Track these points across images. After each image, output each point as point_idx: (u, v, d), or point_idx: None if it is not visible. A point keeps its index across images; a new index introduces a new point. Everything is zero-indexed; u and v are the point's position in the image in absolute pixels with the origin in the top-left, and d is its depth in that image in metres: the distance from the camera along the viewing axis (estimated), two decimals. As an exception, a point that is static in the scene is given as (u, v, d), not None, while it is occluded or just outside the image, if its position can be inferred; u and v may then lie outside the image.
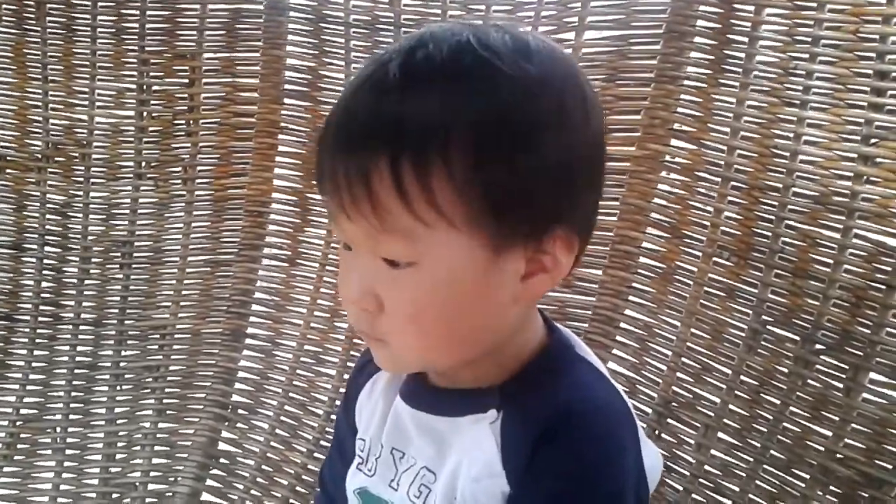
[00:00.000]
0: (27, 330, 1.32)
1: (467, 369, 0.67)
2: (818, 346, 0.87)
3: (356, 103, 0.61)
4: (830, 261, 0.87)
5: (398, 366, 0.70)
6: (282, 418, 1.21)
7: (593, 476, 0.62)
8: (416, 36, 0.62)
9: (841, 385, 0.86)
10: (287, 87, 1.22)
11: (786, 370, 0.89)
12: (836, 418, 0.86)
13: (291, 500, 1.16)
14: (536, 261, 0.62)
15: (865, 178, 0.86)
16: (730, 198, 0.93)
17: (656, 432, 0.96)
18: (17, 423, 1.28)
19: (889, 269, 0.84)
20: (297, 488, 1.17)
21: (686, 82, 0.97)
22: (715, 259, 0.94)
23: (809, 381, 0.88)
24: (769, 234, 0.91)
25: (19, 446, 1.27)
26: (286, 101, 1.22)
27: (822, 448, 0.86)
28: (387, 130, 0.58)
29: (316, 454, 1.16)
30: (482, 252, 0.60)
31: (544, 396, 0.64)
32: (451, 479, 0.66)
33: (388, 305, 0.62)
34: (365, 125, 0.60)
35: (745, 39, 0.92)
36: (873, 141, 0.85)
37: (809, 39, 0.88)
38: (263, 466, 1.20)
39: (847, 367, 0.86)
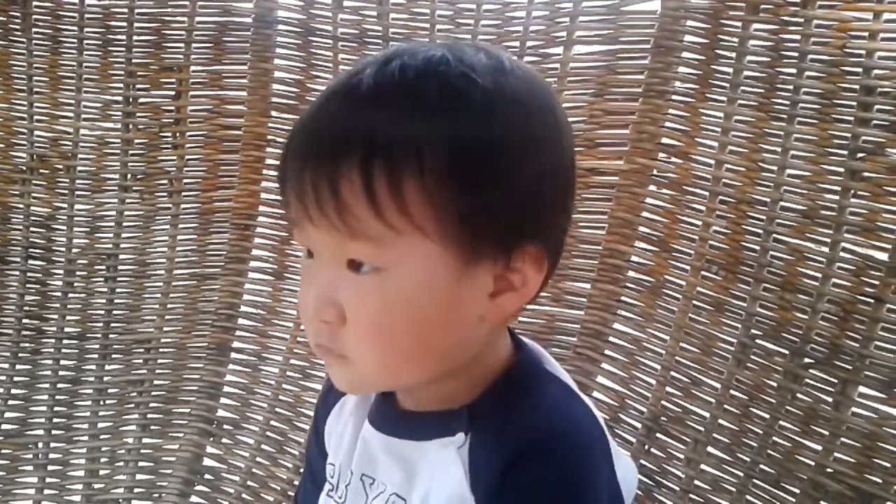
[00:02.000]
0: (9, 343, 1.31)
1: (433, 390, 0.66)
2: (807, 360, 0.87)
3: (327, 111, 0.61)
4: (819, 274, 0.87)
5: (357, 385, 0.67)
6: (268, 433, 1.20)
7: (566, 498, 0.61)
8: (389, 50, 0.62)
9: (830, 399, 0.86)
10: (274, 100, 1.22)
11: (775, 384, 0.89)
12: (826, 432, 0.86)
13: (277, 517, 1.15)
14: (505, 279, 0.62)
15: (853, 191, 0.86)
16: (718, 211, 0.93)
17: (646, 447, 0.96)
18: (-2, 439, 1.27)
19: (877, 282, 0.84)
20: (283, 504, 1.16)
21: (674, 97, 0.97)
22: (703, 273, 0.94)
23: (799, 395, 0.87)
24: (757, 247, 0.91)
25: (0, 462, 1.25)
26: (273, 114, 1.22)
27: (812, 462, 0.86)
28: (359, 137, 0.58)
29: (302, 470, 1.15)
30: (452, 263, 0.59)
31: (513, 419, 0.63)
32: None
33: (351, 315, 0.61)
34: (336, 131, 0.59)
35: (733, 54, 0.93)
36: (860, 155, 0.85)
37: (796, 54, 0.89)
38: (249, 482, 1.19)
39: (836, 380, 0.86)
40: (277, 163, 0.63)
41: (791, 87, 0.89)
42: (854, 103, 0.86)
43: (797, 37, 0.89)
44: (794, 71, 0.89)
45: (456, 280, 0.60)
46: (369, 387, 0.68)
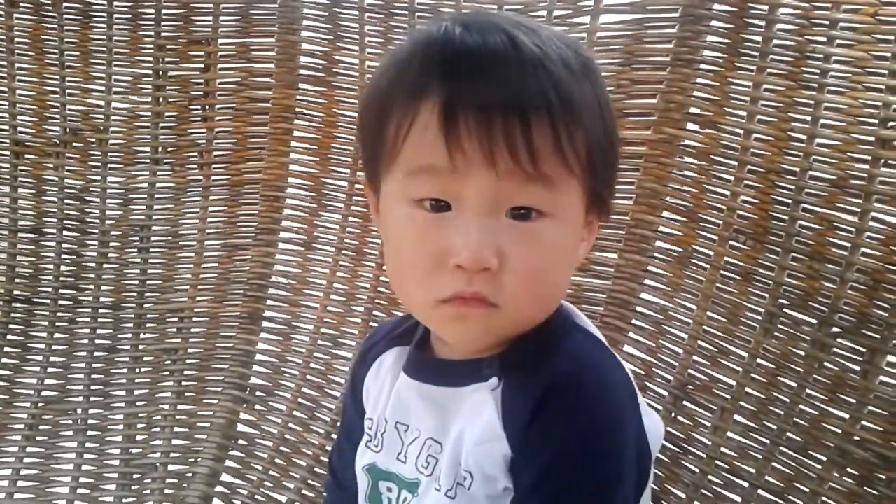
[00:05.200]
0: (47, 313, 1.33)
1: None
2: (835, 329, 0.88)
3: (501, 69, 0.63)
4: (847, 244, 0.87)
5: (491, 334, 0.68)
6: (299, 400, 1.22)
7: (592, 440, 0.63)
8: (497, 22, 0.66)
9: (858, 368, 0.86)
10: (302, 72, 1.22)
11: (802, 353, 0.89)
12: (853, 401, 0.86)
13: (310, 481, 1.18)
14: (593, 219, 0.70)
15: (883, 161, 0.86)
16: (746, 181, 0.93)
17: (672, 415, 0.97)
18: (39, 405, 1.30)
19: (906, 251, 0.84)
20: (316, 469, 1.18)
21: (702, 66, 0.96)
22: (731, 242, 0.94)
23: (826, 364, 0.88)
24: (786, 217, 0.91)
25: (41, 427, 1.29)
26: (301, 86, 1.22)
27: (838, 430, 0.87)
28: (546, 91, 0.62)
29: (333, 435, 1.17)
30: (583, 208, 0.68)
31: (544, 363, 0.66)
32: (456, 448, 0.68)
33: (514, 262, 0.63)
34: (526, 85, 0.62)
35: (762, 23, 0.92)
36: (891, 124, 0.85)
37: (827, 22, 0.88)
38: (282, 448, 1.21)
39: (864, 349, 0.86)
40: (445, 117, 0.63)
41: (821, 55, 0.89)
42: (885, 71, 0.85)
43: (828, 4, 0.88)
44: (824, 39, 0.88)
45: (582, 225, 0.69)
46: (500, 335, 0.68)
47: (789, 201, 0.90)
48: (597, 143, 0.66)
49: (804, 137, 0.90)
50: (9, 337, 1.33)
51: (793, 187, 0.90)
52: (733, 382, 0.93)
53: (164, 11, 1.26)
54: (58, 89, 1.31)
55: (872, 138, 0.86)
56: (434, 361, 0.73)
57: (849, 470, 0.86)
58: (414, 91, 0.63)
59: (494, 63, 0.63)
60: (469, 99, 0.62)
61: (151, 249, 1.31)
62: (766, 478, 0.90)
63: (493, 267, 0.62)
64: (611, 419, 0.64)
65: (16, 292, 1.34)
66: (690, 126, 0.98)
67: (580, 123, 0.64)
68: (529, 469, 0.64)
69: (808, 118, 0.89)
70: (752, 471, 0.91)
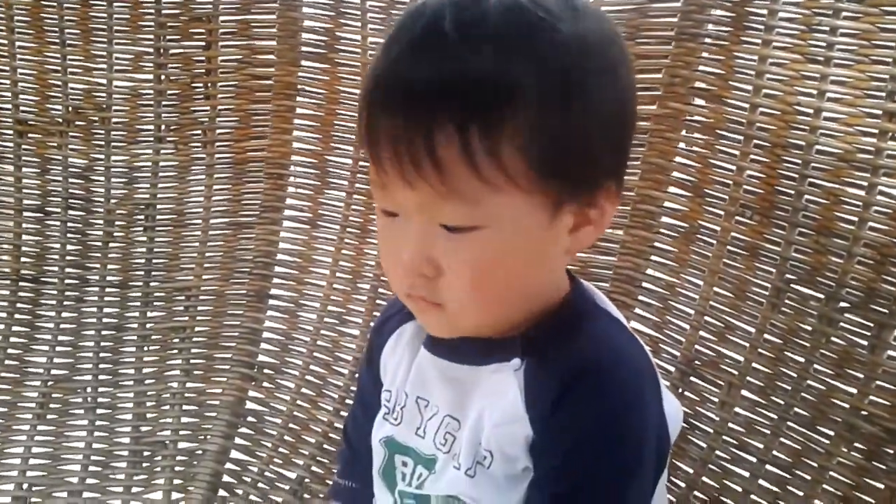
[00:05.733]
0: (54, 292, 1.34)
1: None
2: (842, 304, 0.88)
3: (412, 63, 0.59)
4: (855, 218, 0.87)
5: (453, 329, 0.68)
6: (307, 378, 1.23)
7: (614, 426, 0.63)
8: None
9: (865, 342, 0.86)
10: (304, 48, 1.21)
11: (810, 328, 0.89)
12: (861, 375, 0.86)
13: (319, 458, 1.18)
14: (583, 214, 0.63)
15: (890, 134, 0.85)
16: (752, 156, 0.93)
17: (679, 390, 0.97)
18: (49, 384, 1.31)
19: (914, 226, 0.83)
20: (325, 446, 1.19)
21: (707, 40, 0.95)
22: (737, 218, 0.94)
23: (834, 339, 0.88)
24: (792, 191, 0.90)
25: (51, 406, 1.30)
26: (303, 62, 1.22)
27: (846, 405, 0.87)
28: (452, 93, 0.57)
29: (342, 412, 1.18)
30: (543, 211, 0.61)
31: (567, 346, 0.65)
32: (476, 427, 0.68)
33: (449, 270, 0.62)
34: (428, 88, 0.57)
35: (768, -5, 0.91)
36: (899, 97, 0.84)
37: (833, -6, 0.87)
38: (291, 425, 1.22)
39: (872, 324, 0.86)
40: (360, 121, 0.61)
41: (827, 28, 0.88)
42: (892, 44, 0.85)
43: (834, -24, 0.87)
44: (830, 12, 0.88)
45: (547, 225, 0.62)
46: (465, 330, 0.68)
47: (796, 176, 0.90)
48: (553, 140, 0.59)
49: (810, 111, 0.89)
50: (17, 316, 1.34)
51: (799, 161, 0.90)
52: (740, 358, 0.93)
53: (164, -12, 1.25)
54: (59, 68, 1.30)
55: (879, 112, 0.85)
56: (456, 338, 0.72)
57: (856, 445, 0.86)
58: (360, 108, 0.63)
59: (413, 62, 0.59)
60: (384, 112, 0.59)
61: (157, 228, 1.31)
62: (774, 453, 0.90)
63: (429, 273, 0.62)
64: (633, 404, 0.64)
65: (23, 271, 1.35)
66: (696, 101, 0.97)
67: (510, 123, 0.57)
68: (551, 452, 0.64)
69: (815, 92, 0.89)
70: (760, 446, 0.91)
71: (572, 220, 0.63)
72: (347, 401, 1.18)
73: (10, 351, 1.33)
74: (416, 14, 0.61)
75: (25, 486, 1.23)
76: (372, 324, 1.15)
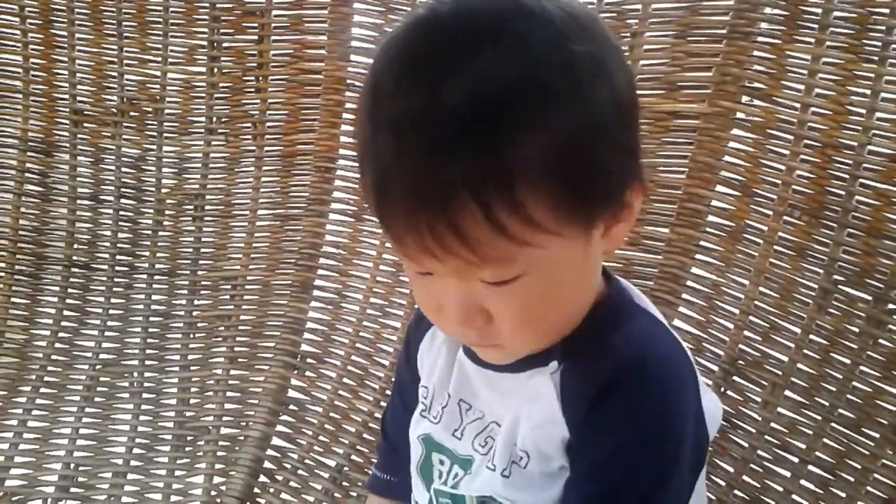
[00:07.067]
0: (104, 279, 1.37)
1: None
2: (891, 306, 0.87)
3: (413, 151, 0.56)
4: (905, 220, 0.86)
5: (512, 357, 0.68)
6: (349, 368, 1.24)
7: (653, 426, 0.63)
8: (448, 52, 0.56)
9: (914, 346, 0.86)
10: (354, 44, 1.23)
11: (856, 329, 0.89)
12: (908, 378, 0.86)
13: (358, 447, 1.20)
14: (613, 217, 0.63)
15: (945, 136, 0.84)
16: (802, 156, 0.93)
17: (722, 389, 0.97)
18: (97, 367, 1.33)
19: (966, 229, 0.83)
20: (364, 435, 1.20)
21: (760, 38, 0.95)
22: (786, 217, 0.94)
23: (881, 341, 0.87)
24: (842, 192, 0.90)
25: (99, 389, 1.32)
26: (353, 58, 1.23)
27: (892, 407, 0.86)
28: (464, 176, 0.55)
29: (382, 403, 1.19)
30: (577, 240, 0.61)
31: (605, 348, 0.65)
32: (512, 429, 0.68)
33: (499, 316, 0.62)
34: (436, 177, 0.55)
35: (823, -7, 0.91)
36: (954, 98, 0.84)
37: (889, -7, 0.87)
38: (331, 414, 1.23)
39: (920, 327, 0.85)
40: (377, 209, 0.59)
41: (883, 27, 0.87)
42: (949, 44, 0.84)
43: (891, -25, 0.87)
44: (886, 11, 0.87)
45: (583, 251, 0.62)
46: (522, 355, 0.68)
47: (846, 176, 0.90)
48: (570, 175, 0.57)
49: (863, 111, 0.89)
50: (68, 301, 1.37)
51: (850, 162, 0.89)
52: (785, 358, 0.93)
53: (219, -17, 1.27)
54: (115, 59, 1.33)
55: (934, 113, 0.85)
56: None
57: (903, 448, 0.86)
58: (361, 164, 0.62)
59: (412, 139, 0.55)
60: (398, 202, 0.57)
61: (205, 218, 1.33)
62: (817, 453, 0.90)
63: (480, 324, 0.62)
64: (671, 404, 0.64)
65: (75, 258, 1.38)
66: (746, 99, 0.97)
67: (527, 178, 0.55)
68: (588, 453, 0.64)
69: (868, 91, 0.88)
70: (803, 446, 0.91)
71: (603, 227, 0.63)
72: (387, 392, 1.19)
73: (60, 335, 1.36)
74: (393, 78, 0.58)
75: (72, 465, 1.26)
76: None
